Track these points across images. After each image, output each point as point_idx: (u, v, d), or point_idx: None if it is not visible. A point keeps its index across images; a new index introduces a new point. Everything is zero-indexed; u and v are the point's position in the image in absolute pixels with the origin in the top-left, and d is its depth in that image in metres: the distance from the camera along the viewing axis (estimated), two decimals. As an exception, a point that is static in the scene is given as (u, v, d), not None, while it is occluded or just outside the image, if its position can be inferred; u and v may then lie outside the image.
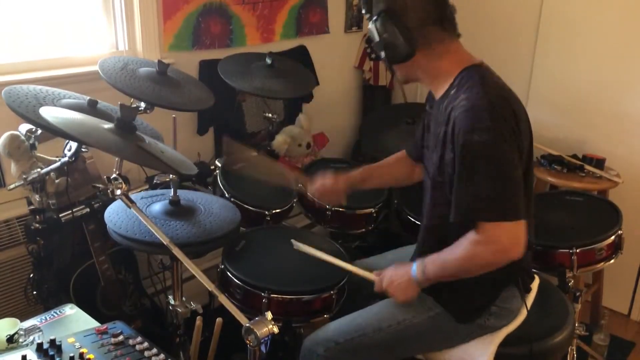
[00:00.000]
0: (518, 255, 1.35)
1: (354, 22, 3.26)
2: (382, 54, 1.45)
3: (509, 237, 1.33)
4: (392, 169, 1.87)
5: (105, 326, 1.36)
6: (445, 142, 1.41)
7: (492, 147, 1.31)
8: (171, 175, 1.74)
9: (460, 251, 1.39)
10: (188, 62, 2.45)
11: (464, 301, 1.51)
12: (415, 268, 1.47)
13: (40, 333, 1.45)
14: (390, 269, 1.55)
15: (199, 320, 1.62)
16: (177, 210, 1.72)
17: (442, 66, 1.46)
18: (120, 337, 1.31)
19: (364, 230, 2.31)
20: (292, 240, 1.71)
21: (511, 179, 1.33)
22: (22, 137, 1.77)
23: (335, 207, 2.18)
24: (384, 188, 2.33)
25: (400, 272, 1.51)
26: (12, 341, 1.37)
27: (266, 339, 1.11)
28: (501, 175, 1.32)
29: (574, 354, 2.06)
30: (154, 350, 1.28)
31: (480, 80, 1.39)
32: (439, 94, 1.50)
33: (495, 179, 1.32)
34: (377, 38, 1.42)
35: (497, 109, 1.33)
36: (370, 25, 1.44)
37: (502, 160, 1.32)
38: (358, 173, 1.83)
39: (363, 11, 1.48)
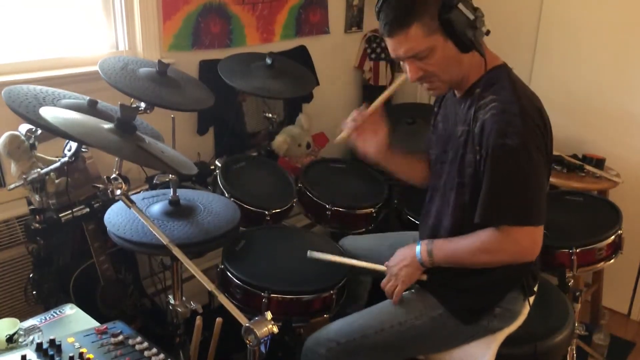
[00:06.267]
0: (533, 257, 1.37)
1: (354, 22, 3.26)
2: (470, 33, 1.35)
3: (529, 241, 1.35)
4: (413, 165, 1.78)
5: (105, 326, 1.36)
6: (467, 143, 1.40)
7: (522, 151, 1.31)
8: (171, 175, 1.74)
9: (477, 245, 1.40)
10: (188, 62, 2.45)
11: (468, 303, 1.51)
12: (420, 252, 1.49)
13: (40, 333, 1.45)
14: (394, 259, 1.57)
15: (199, 320, 1.62)
16: (176, 210, 1.71)
17: (475, 61, 1.41)
18: (120, 337, 1.31)
19: (364, 230, 2.30)
20: (309, 251, 1.76)
21: (538, 185, 1.34)
22: (22, 137, 1.77)
23: (336, 207, 2.18)
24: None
25: (406, 260, 1.53)
26: (11, 341, 1.37)
27: (266, 339, 1.11)
28: (529, 180, 1.33)
29: (573, 354, 2.06)
30: (154, 350, 1.28)
31: (510, 83, 1.38)
32: (461, 91, 1.48)
33: (523, 183, 1.33)
34: (472, 16, 1.34)
35: (528, 113, 1.33)
36: (461, 6, 1.33)
37: (530, 165, 1.32)
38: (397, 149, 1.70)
39: None
